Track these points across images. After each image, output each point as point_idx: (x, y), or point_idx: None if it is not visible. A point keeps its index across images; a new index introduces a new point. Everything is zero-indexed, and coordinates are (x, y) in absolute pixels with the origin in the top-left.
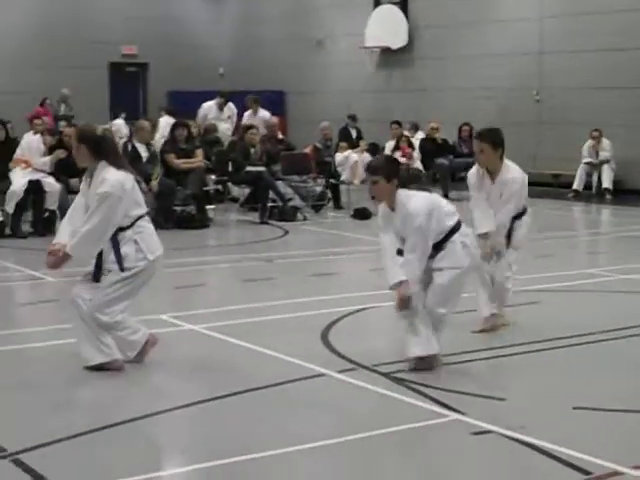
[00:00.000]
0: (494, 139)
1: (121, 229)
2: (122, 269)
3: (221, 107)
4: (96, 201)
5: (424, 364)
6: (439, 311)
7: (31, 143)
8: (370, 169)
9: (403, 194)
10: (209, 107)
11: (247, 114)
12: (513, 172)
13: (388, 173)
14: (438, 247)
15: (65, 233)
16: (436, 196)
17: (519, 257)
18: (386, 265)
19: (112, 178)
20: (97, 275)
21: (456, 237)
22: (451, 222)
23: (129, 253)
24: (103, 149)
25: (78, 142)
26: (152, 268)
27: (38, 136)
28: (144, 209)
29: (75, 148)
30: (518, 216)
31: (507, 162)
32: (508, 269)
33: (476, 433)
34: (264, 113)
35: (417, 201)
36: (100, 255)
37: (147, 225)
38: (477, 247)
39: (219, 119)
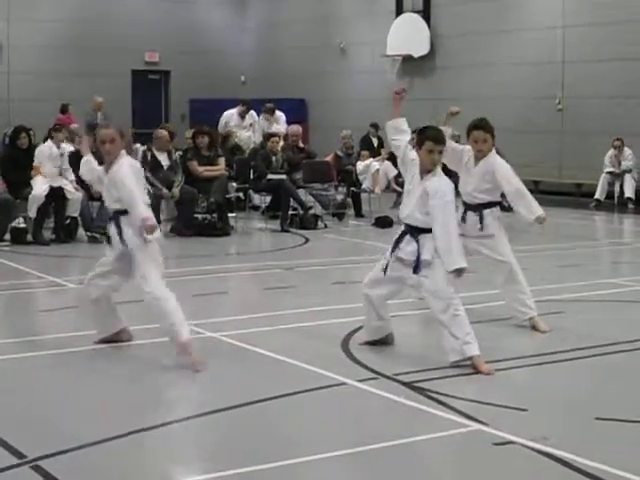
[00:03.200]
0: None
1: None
2: None
3: (242, 115)
4: None
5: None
6: None
7: (43, 151)
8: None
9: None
10: (230, 115)
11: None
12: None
13: None
14: None
15: None
16: None
17: None
18: None
19: None
20: None
21: None
22: None
23: None
24: None
25: None
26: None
27: (49, 142)
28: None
29: None
30: None
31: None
32: None
33: (498, 444)
34: (278, 126)
35: None
36: None
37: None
38: None
39: (240, 127)
